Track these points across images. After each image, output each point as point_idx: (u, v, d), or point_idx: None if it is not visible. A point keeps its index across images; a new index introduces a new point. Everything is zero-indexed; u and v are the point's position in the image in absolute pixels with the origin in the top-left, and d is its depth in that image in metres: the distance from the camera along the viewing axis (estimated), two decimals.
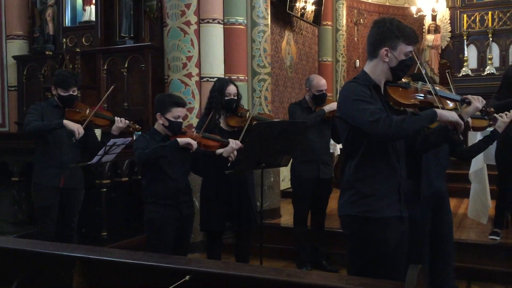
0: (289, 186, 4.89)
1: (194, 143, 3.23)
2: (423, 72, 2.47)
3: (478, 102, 2.54)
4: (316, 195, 4.45)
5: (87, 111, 3.81)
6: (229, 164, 3.44)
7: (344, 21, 8.92)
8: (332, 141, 4.60)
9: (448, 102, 2.53)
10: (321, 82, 4.36)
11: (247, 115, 3.77)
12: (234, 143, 3.44)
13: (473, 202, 5.01)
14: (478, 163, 4.91)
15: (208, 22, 5.27)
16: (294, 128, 3.56)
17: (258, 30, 5.68)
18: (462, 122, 2.25)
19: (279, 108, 7.11)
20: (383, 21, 2.34)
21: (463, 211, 5.67)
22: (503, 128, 2.99)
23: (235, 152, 3.44)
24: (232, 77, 5.05)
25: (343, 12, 8.88)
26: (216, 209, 3.70)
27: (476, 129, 3.14)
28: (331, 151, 4.73)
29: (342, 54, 8.89)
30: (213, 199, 3.70)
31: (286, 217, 5.60)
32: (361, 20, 9.45)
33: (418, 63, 2.44)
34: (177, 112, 3.24)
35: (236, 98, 3.78)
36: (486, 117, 2.79)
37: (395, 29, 2.29)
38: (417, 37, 2.35)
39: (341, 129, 2.42)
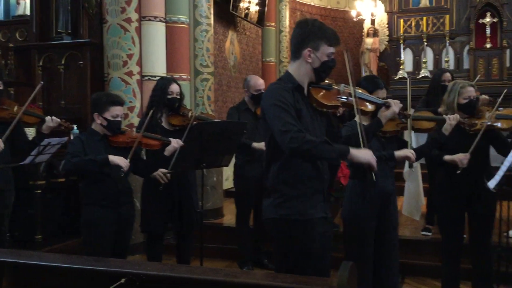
0: (233, 185, 4.90)
1: (125, 166, 3.07)
2: (349, 74, 2.50)
3: (396, 106, 2.67)
4: (259, 194, 4.49)
5: (15, 108, 3.60)
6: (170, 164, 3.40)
7: (287, 23, 9.04)
8: None
9: (368, 104, 2.60)
10: (258, 82, 4.40)
11: (190, 115, 3.75)
12: (176, 142, 3.41)
13: (407, 199, 5.23)
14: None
15: (149, 20, 5.19)
16: (234, 128, 3.58)
17: (201, 29, 5.66)
18: (374, 164, 2.27)
19: (223, 107, 7.10)
20: (305, 22, 2.36)
21: (398, 209, 5.89)
22: (449, 130, 3.18)
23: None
24: (175, 76, 5.02)
25: (286, 13, 9.00)
26: (157, 209, 3.66)
27: (422, 131, 3.31)
28: None
29: (285, 55, 9.01)
30: (154, 199, 3.66)
31: (229, 217, 5.62)
32: None
33: (348, 66, 2.47)
34: (115, 111, 3.16)
35: (179, 97, 3.76)
36: (403, 120, 2.94)
37: (317, 30, 2.31)
38: (338, 39, 2.37)
39: (263, 131, 2.43)
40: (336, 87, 2.47)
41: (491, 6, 8.81)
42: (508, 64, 8.70)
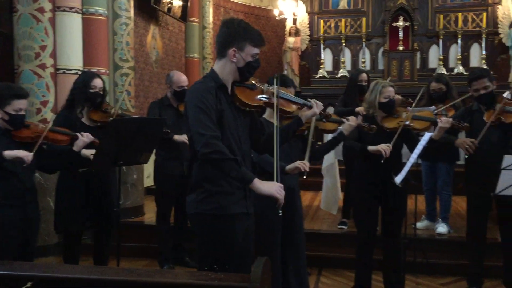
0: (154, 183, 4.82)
1: (27, 157, 2.89)
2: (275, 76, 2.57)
3: (317, 107, 2.77)
4: (180, 192, 4.45)
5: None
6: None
7: (211, 19, 9.02)
8: None
9: (291, 104, 2.67)
10: (181, 78, 4.36)
11: (112, 112, 3.65)
12: (86, 137, 3.28)
13: (325, 194, 5.42)
14: (330, 159, 5.33)
15: (64, 11, 4.96)
16: (152, 125, 3.52)
17: (120, 22, 5.49)
18: (279, 197, 2.25)
19: (144, 103, 6.95)
20: (231, 22, 2.40)
21: (317, 203, 6.11)
22: (349, 130, 3.34)
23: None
24: (92, 70, 4.81)
25: (210, 9, 8.97)
26: (74, 208, 3.51)
27: (326, 131, 3.44)
28: None
29: (208, 52, 8.98)
30: (70, 198, 3.51)
31: (150, 215, 5.52)
32: None
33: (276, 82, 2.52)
34: (18, 105, 2.97)
35: (101, 92, 3.64)
36: (324, 120, 3.05)
37: (243, 31, 2.36)
38: (263, 40, 2.44)
39: (186, 127, 2.44)
40: (260, 86, 2.52)
41: (403, 11, 9.31)
42: (418, 66, 9.25)
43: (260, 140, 2.63)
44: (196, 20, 8.66)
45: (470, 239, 3.88)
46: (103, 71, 5.28)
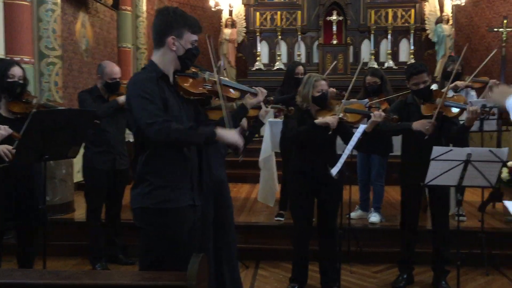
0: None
1: None
2: (214, 63, 2.52)
3: (261, 95, 2.77)
4: (111, 187, 4.28)
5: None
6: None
7: (144, 8, 8.73)
8: (127, 130, 4.45)
9: (232, 91, 2.68)
10: (114, 69, 4.18)
11: (34, 102, 3.41)
12: (4, 129, 3.05)
13: (263, 187, 5.43)
14: (267, 151, 5.34)
15: None
16: (81, 117, 3.33)
17: (46, 8, 5.16)
18: (241, 144, 2.33)
19: (74, 94, 6.59)
20: (166, 10, 2.34)
21: (254, 196, 6.10)
22: (264, 116, 3.26)
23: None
24: (15, 59, 4.49)
25: None
26: None
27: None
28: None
29: (142, 42, 8.71)
30: None
31: (81, 211, 5.27)
32: None
33: (211, 52, 2.50)
34: None
35: (21, 81, 3.39)
36: (267, 106, 3.05)
37: (180, 18, 2.31)
38: (200, 27, 2.40)
39: (131, 121, 2.38)
40: (202, 75, 2.50)
41: (337, 5, 9.51)
42: (351, 60, 9.49)
43: None
44: (129, 8, 8.35)
45: (403, 228, 4.01)
46: (27, 59, 4.96)
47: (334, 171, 3.27)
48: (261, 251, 4.63)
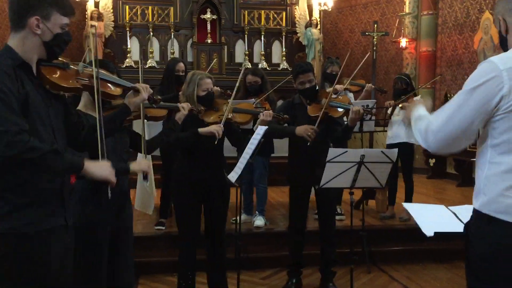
0: None
1: None
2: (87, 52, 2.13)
3: (145, 92, 2.41)
4: None
5: None
6: None
7: None
8: None
9: (111, 86, 2.31)
10: None
11: None
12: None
13: (140, 193, 4.99)
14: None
15: None
16: None
17: None
18: (113, 179, 2.01)
19: None
20: None
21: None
22: (182, 119, 3.11)
23: None
24: None
25: None
26: None
27: (156, 118, 3.21)
28: None
29: None
30: None
31: None
32: None
33: (92, 41, 2.11)
34: None
35: None
36: (154, 105, 2.70)
37: None
38: (73, 9, 2.00)
39: None
40: (74, 66, 2.09)
41: (211, 3, 9.31)
42: (226, 60, 9.37)
43: (80, 136, 2.14)
44: None
45: (291, 230, 3.93)
46: None
47: (233, 177, 3.02)
48: (141, 265, 4.20)
